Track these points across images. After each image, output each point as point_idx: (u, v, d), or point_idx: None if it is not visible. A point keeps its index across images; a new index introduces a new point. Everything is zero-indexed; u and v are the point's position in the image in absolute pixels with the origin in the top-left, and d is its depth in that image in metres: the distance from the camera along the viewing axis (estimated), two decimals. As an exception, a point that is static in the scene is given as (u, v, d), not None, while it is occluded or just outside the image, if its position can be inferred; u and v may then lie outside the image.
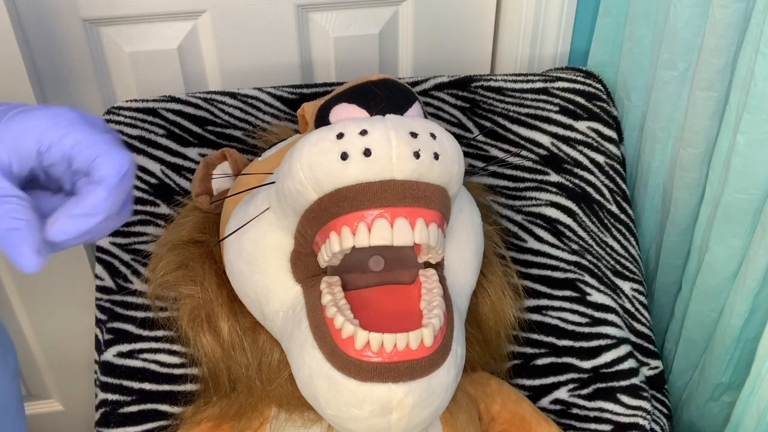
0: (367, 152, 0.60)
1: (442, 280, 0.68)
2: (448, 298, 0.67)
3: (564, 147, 1.00)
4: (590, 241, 0.97)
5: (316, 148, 0.61)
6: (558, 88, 1.03)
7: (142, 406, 0.85)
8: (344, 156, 0.60)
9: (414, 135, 0.61)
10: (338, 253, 0.63)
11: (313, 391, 0.63)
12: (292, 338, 0.66)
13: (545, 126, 1.01)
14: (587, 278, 0.94)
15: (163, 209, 0.92)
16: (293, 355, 0.65)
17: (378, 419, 0.61)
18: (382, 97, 0.65)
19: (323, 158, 0.61)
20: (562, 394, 0.90)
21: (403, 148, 0.60)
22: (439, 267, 0.69)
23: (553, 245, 0.95)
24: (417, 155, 0.60)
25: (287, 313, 0.67)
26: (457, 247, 0.71)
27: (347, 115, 0.64)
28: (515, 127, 1.00)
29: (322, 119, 0.65)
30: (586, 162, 1.00)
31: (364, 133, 0.60)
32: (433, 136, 0.62)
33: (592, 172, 1.00)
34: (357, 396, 0.60)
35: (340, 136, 0.60)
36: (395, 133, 0.60)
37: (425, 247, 0.65)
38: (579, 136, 1.00)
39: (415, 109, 0.68)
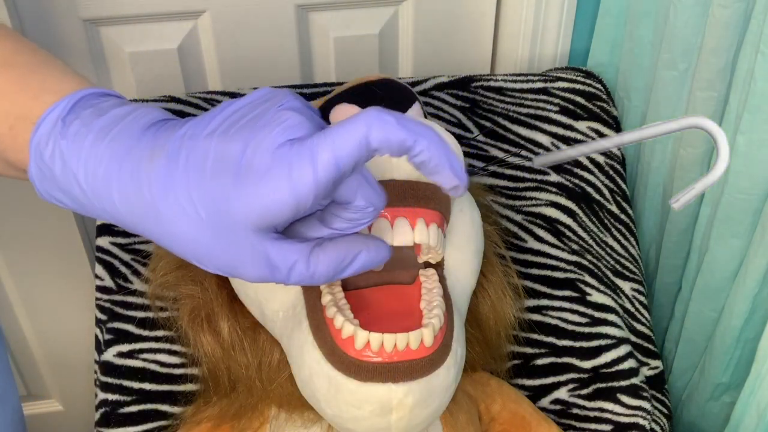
0: (367, 152, 0.60)
1: (442, 280, 0.68)
2: (448, 298, 0.67)
3: (564, 147, 1.00)
4: (590, 241, 0.97)
5: (316, 148, 0.60)
6: (558, 88, 1.03)
7: (142, 406, 0.85)
8: (344, 156, 0.60)
9: (414, 135, 0.61)
10: (338, 253, 0.63)
11: (313, 391, 0.63)
12: (292, 338, 0.66)
13: (545, 126, 1.01)
14: (587, 278, 0.94)
15: (163, 209, 0.92)
16: (293, 355, 0.65)
17: (378, 419, 0.61)
18: (382, 97, 0.65)
19: (323, 158, 0.60)
20: (562, 394, 0.90)
21: (403, 148, 0.60)
22: (439, 267, 0.69)
23: (553, 245, 0.95)
24: (417, 155, 0.60)
25: (287, 313, 0.67)
26: (457, 247, 0.71)
27: (347, 115, 0.64)
28: (515, 127, 1.00)
29: None
30: (586, 162, 1.00)
31: (363, 133, 0.60)
32: (433, 136, 0.62)
33: (592, 172, 1.00)
34: (357, 396, 0.60)
35: None
36: (395, 133, 0.60)
37: (425, 247, 0.65)
38: (579, 137, 1.00)
39: (415, 109, 0.68)
